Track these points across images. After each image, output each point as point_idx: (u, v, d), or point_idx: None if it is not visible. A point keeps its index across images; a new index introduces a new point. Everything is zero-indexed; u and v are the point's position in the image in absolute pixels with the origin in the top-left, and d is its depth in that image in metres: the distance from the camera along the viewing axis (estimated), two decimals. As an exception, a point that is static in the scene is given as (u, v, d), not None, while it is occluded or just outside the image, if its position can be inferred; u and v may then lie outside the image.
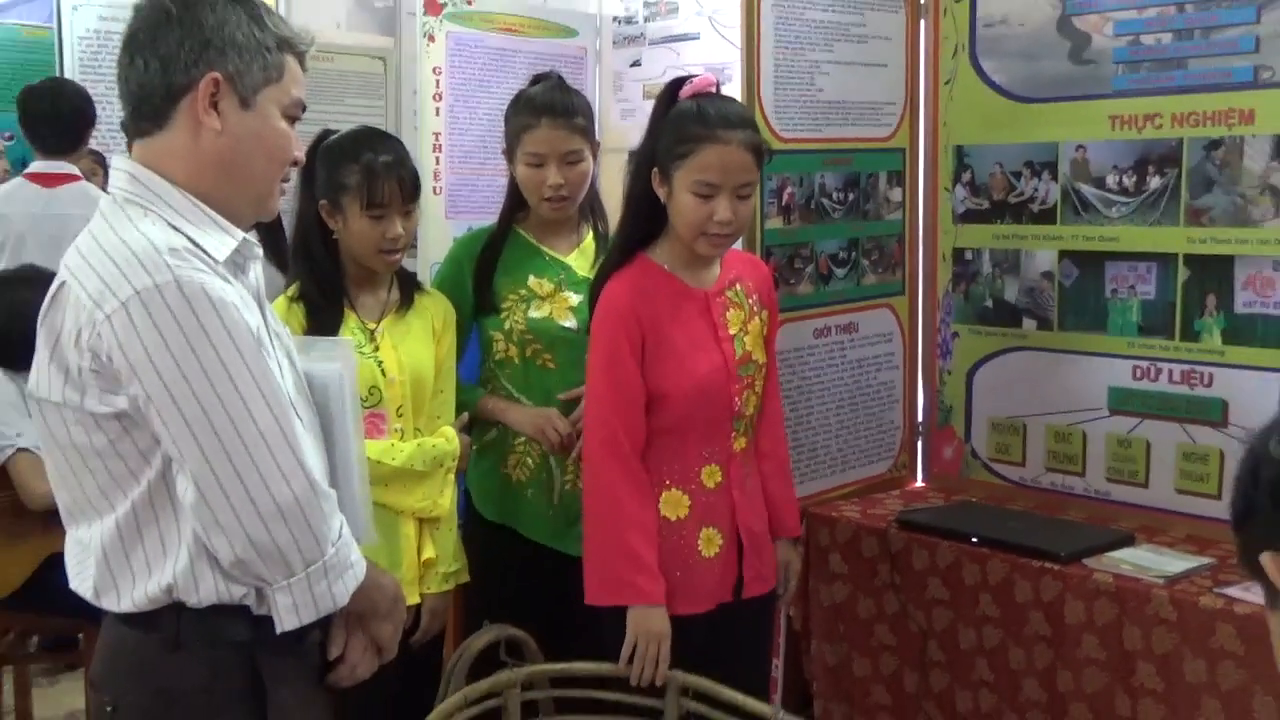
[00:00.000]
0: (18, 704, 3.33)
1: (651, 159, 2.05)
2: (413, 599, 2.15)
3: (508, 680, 1.97)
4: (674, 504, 2.08)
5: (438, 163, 3.02)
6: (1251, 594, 2.07)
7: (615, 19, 3.32)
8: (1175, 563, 2.30)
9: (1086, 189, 2.65)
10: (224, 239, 1.48)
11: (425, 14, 2.99)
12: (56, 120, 3.92)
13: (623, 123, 3.30)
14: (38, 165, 3.97)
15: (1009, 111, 2.76)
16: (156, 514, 1.44)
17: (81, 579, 1.50)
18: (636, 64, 3.29)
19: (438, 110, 3.02)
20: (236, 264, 1.50)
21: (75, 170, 3.95)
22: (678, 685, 2.01)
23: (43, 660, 3.63)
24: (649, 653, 1.99)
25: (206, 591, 1.44)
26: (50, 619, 3.08)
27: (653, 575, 2.01)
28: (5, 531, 2.95)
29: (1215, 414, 2.50)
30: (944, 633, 2.50)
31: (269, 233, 1.70)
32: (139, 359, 1.36)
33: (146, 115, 1.48)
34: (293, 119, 1.54)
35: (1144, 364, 2.59)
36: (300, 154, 1.58)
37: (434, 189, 3.00)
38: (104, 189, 1.55)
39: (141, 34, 1.47)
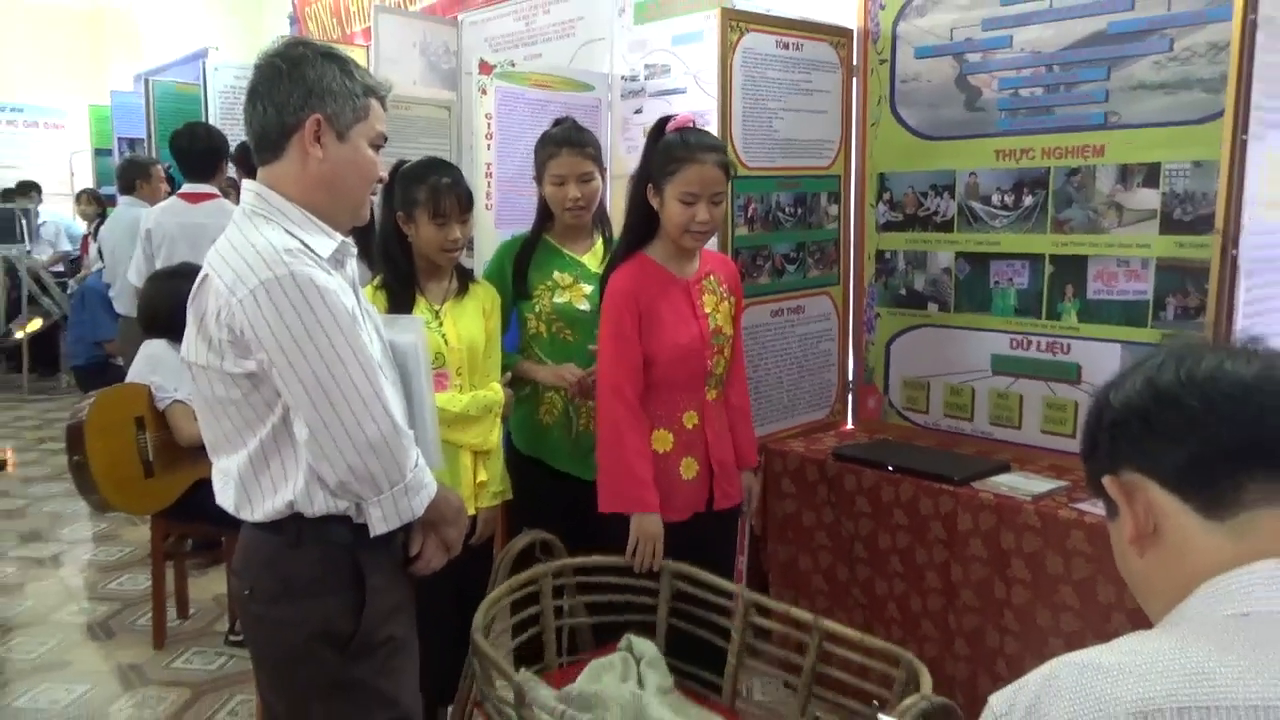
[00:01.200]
0: (177, 588, 3.37)
1: (646, 178, 2.05)
2: (470, 511, 2.16)
3: (542, 571, 1.99)
4: (662, 440, 2.08)
5: (489, 186, 2.99)
6: (1097, 508, 2.08)
7: (623, 77, 3.28)
8: (1040, 485, 2.30)
9: (976, 205, 2.63)
10: (327, 241, 1.48)
11: (480, 74, 2.96)
12: (191, 154, 3.92)
13: (628, 156, 3.27)
14: (185, 187, 3.97)
15: (919, 147, 2.74)
16: (279, 448, 1.44)
17: (224, 497, 1.51)
18: (639, 111, 3.25)
19: (489, 146, 2.99)
20: (337, 259, 1.49)
21: (214, 190, 3.94)
22: (669, 571, 2.03)
23: (195, 557, 3.65)
24: (646, 549, 2.01)
25: (319, 505, 1.44)
26: (201, 526, 3.12)
27: (651, 490, 2.02)
28: (165, 460, 2.96)
29: (1072, 374, 2.49)
30: (867, 537, 2.51)
31: (361, 235, 1.69)
32: (264, 333, 1.36)
33: (267, 148, 1.48)
34: (377, 147, 1.53)
35: (1019, 337, 2.59)
36: (384, 174, 1.57)
37: (486, 205, 2.97)
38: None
39: (260, 86, 1.46)
